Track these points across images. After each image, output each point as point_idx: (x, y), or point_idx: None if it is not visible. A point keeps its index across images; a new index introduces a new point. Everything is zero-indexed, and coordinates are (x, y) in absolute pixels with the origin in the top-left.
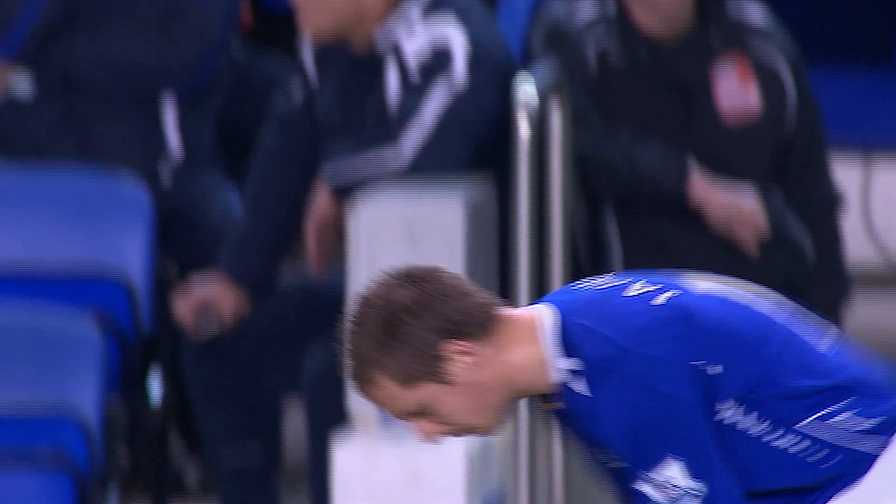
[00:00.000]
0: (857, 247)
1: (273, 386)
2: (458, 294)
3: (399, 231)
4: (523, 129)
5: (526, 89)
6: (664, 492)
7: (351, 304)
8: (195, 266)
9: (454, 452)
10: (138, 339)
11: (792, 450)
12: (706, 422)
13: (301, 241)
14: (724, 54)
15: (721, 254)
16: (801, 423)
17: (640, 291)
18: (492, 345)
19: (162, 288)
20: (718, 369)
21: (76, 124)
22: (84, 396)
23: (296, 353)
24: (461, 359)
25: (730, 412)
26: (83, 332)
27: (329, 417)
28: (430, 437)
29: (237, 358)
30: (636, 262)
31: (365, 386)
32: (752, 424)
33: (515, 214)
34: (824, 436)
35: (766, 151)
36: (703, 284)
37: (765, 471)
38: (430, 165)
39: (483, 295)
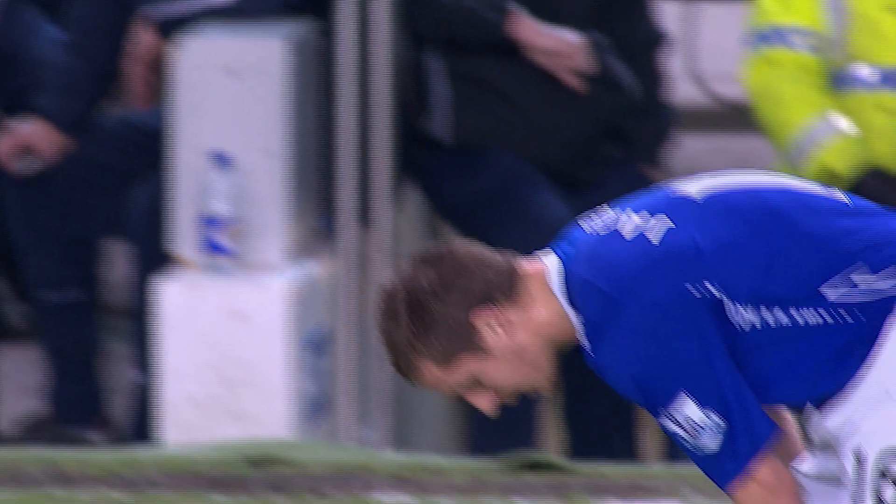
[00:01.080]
0: (681, 86)
1: (96, 226)
2: (476, 265)
3: (222, 69)
4: None
5: None
6: (685, 428)
7: (377, 301)
8: (17, 107)
9: (277, 290)
10: None
11: (826, 318)
12: (716, 351)
13: (123, 79)
14: None
15: (546, 91)
16: (821, 289)
17: (636, 231)
18: (518, 306)
19: None
20: (719, 287)
21: None
22: None
23: (119, 193)
24: (493, 327)
25: (746, 315)
26: None
27: (152, 257)
28: (488, 409)
29: (59, 198)
30: (461, 101)
31: (411, 374)
32: (776, 318)
33: (340, 53)
34: (844, 299)
35: None
36: (702, 186)
37: (805, 365)
38: (254, 4)
39: (499, 259)
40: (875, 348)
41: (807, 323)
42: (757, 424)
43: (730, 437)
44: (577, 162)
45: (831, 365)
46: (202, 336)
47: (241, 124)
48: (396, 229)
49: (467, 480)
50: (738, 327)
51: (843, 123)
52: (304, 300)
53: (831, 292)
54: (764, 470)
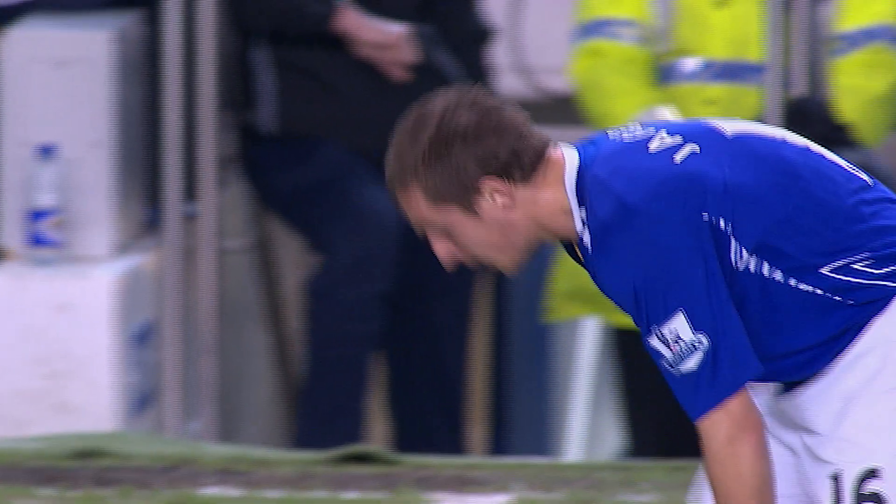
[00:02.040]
0: (507, 78)
1: None
2: (515, 133)
3: (48, 61)
4: None
5: None
6: (671, 347)
7: (411, 109)
8: None
9: (102, 282)
10: None
11: (818, 291)
12: (716, 278)
13: None
14: None
15: (372, 83)
16: (821, 269)
17: (662, 147)
18: (530, 188)
19: None
20: (728, 223)
21: None
22: None
23: None
24: (494, 197)
25: (750, 263)
26: None
27: None
28: (446, 259)
29: None
30: (287, 93)
31: (398, 190)
32: (771, 273)
33: (166, 45)
34: (847, 276)
35: None
36: (734, 126)
37: (790, 320)
38: None
39: (538, 138)
40: (858, 339)
41: (798, 288)
42: (742, 357)
43: (713, 363)
44: None
45: (816, 334)
46: (27, 329)
47: (67, 116)
48: (222, 221)
49: (294, 473)
50: (734, 265)
51: (669, 115)
52: (130, 292)
53: (830, 275)
54: (737, 403)
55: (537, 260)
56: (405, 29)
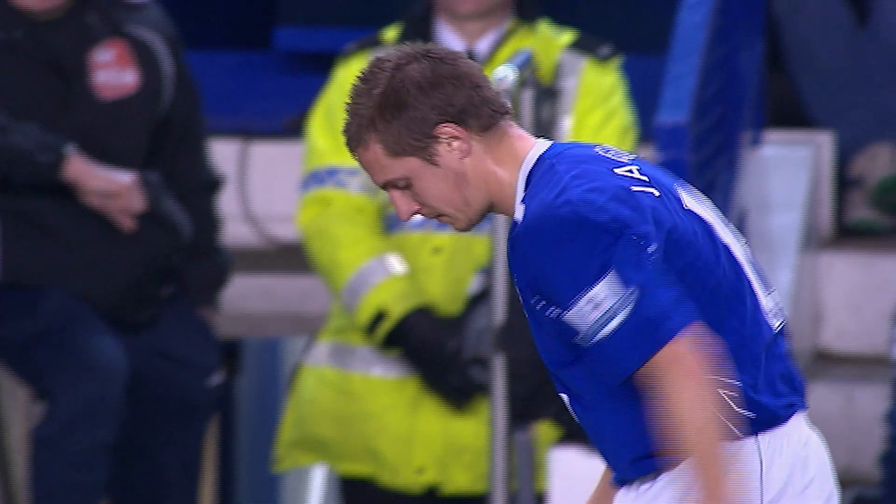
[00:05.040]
0: (235, 226)
1: None
2: (471, 84)
3: None
4: None
5: None
6: (596, 311)
7: (366, 64)
8: None
9: None
10: None
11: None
12: (638, 233)
13: None
14: (101, 33)
15: (100, 231)
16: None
17: (626, 175)
18: (484, 144)
19: None
20: (658, 252)
21: None
22: None
23: None
24: (451, 144)
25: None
26: None
27: None
28: (403, 212)
29: None
30: (14, 239)
31: (356, 147)
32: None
33: None
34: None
35: (144, 132)
36: (694, 203)
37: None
38: None
39: (495, 96)
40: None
41: None
42: (674, 303)
43: (645, 313)
44: (130, 302)
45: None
46: None
47: None
48: None
49: None
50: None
51: (396, 264)
52: None
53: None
54: (676, 346)
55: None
56: (132, 177)
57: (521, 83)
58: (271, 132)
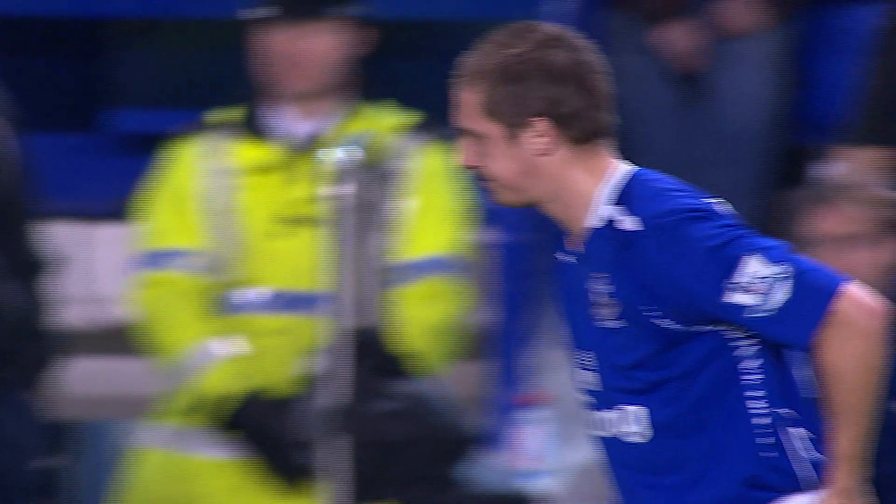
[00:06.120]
0: (72, 307)
1: None
2: (591, 97)
3: None
4: None
5: None
6: (753, 290)
7: (516, 24)
8: None
9: None
10: None
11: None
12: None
13: None
14: None
15: None
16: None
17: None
18: (573, 153)
19: None
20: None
21: None
22: None
23: None
24: (537, 137)
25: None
26: None
27: None
28: (464, 161)
29: None
30: None
31: (462, 84)
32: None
33: None
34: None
35: None
36: None
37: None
38: None
39: (608, 119)
40: None
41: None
42: (823, 267)
43: (803, 282)
44: None
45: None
46: None
47: None
48: None
49: None
50: None
51: (228, 347)
52: None
53: None
54: (843, 304)
55: (101, 494)
56: None
57: (355, 164)
58: (110, 212)
